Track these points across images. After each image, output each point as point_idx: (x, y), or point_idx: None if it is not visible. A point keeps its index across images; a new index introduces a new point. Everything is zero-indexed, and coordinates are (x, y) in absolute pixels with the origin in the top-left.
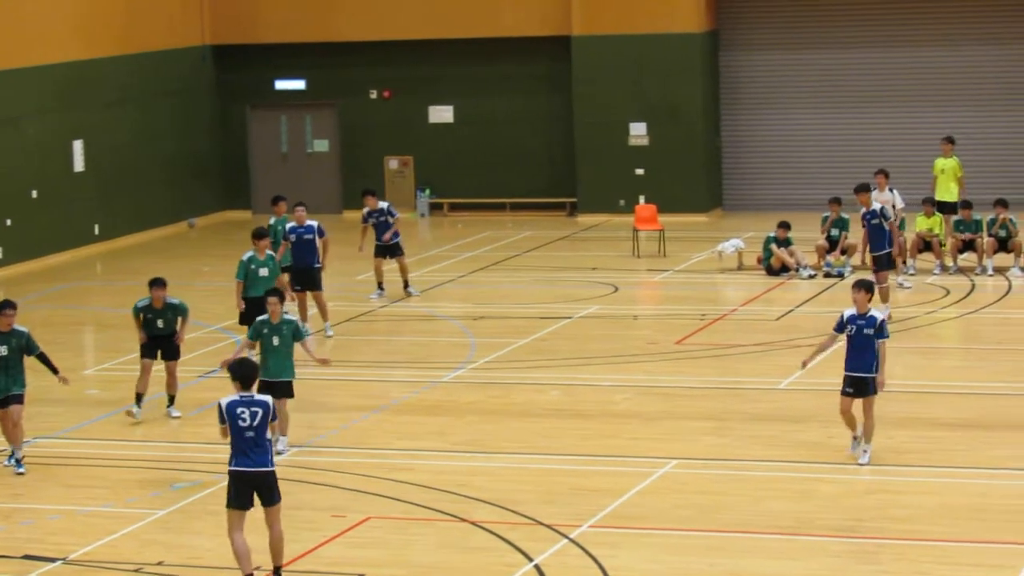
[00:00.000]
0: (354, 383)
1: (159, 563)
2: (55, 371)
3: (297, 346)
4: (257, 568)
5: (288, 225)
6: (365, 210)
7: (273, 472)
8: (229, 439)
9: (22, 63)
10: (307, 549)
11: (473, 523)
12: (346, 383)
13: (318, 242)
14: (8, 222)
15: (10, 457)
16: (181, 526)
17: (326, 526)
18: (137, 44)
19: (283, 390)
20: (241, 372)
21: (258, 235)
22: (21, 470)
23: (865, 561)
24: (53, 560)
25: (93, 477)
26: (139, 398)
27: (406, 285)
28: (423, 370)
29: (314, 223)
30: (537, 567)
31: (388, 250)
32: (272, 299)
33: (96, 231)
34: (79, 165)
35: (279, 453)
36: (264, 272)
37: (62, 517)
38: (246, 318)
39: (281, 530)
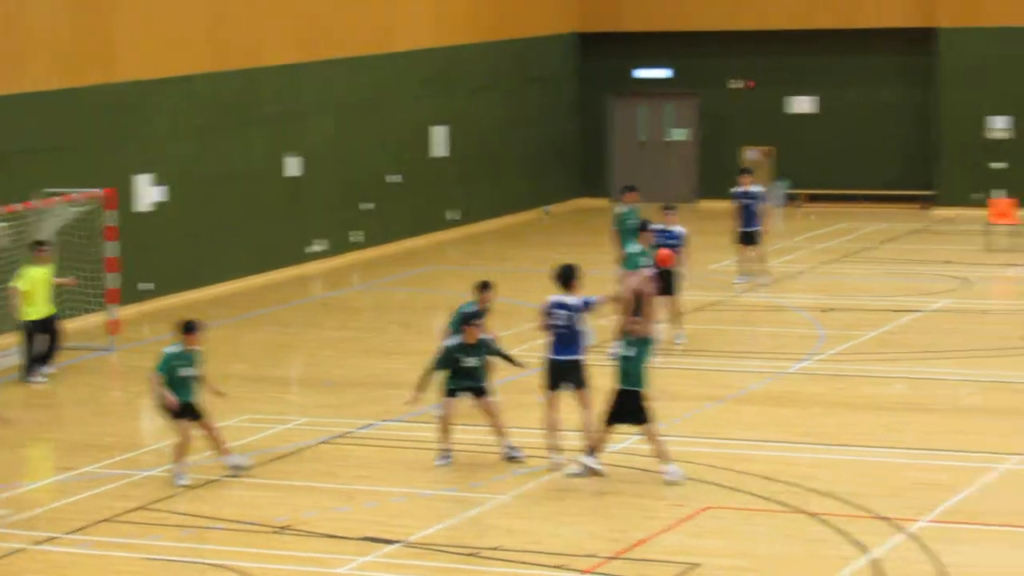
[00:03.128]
0: (701, 372)
1: (495, 548)
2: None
3: None
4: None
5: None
6: (739, 189)
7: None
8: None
9: (388, 48)
10: (645, 536)
11: (812, 515)
12: (693, 372)
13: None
14: (371, 206)
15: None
16: (522, 511)
17: (665, 514)
18: (505, 31)
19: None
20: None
21: None
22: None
23: None
24: (392, 542)
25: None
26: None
27: (751, 275)
28: (770, 360)
29: (681, 230)
30: (874, 561)
31: (748, 237)
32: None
33: (455, 216)
34: (442, 150)
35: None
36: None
37: (404, 500)
38: None
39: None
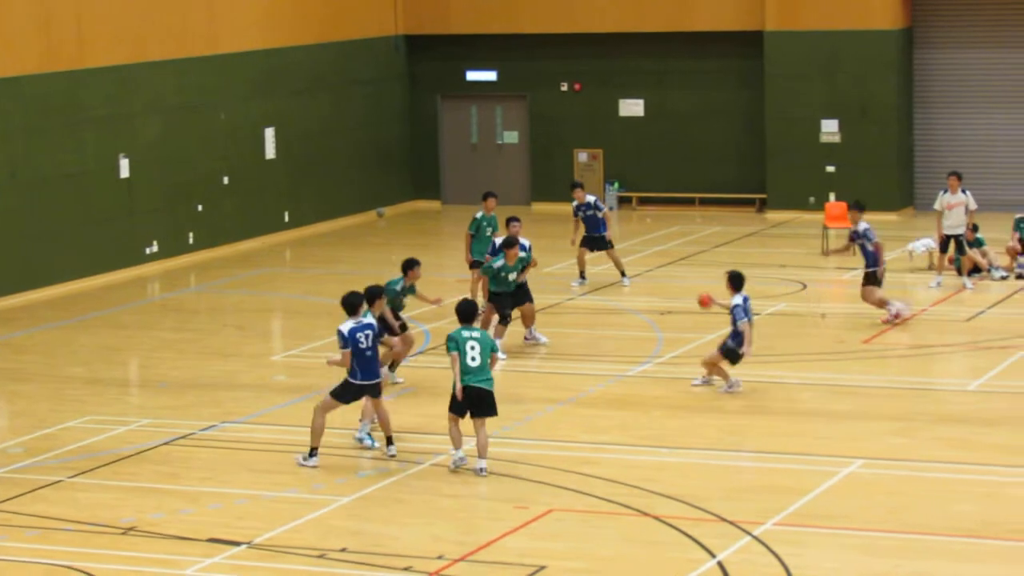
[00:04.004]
0: (541, 375)
1: (342, 550)
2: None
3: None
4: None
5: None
6: (574, 203)
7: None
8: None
9: (216, 50)
10: (489, 539)
11: (657, 518)
12: (534, 374)
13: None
14: (199, 207)
15: None
16: (365, 513)
17: (509, 517)
18: (331, 33)
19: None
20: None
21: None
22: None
23: None
24: (238, 544)
25: (279, 463)
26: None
27: (623, 275)
28: (610, 364)
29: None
30: (720, 564)
31: (595, 242)
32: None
33: (286, 218)
34: (270, 152)
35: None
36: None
37: (248, 502)
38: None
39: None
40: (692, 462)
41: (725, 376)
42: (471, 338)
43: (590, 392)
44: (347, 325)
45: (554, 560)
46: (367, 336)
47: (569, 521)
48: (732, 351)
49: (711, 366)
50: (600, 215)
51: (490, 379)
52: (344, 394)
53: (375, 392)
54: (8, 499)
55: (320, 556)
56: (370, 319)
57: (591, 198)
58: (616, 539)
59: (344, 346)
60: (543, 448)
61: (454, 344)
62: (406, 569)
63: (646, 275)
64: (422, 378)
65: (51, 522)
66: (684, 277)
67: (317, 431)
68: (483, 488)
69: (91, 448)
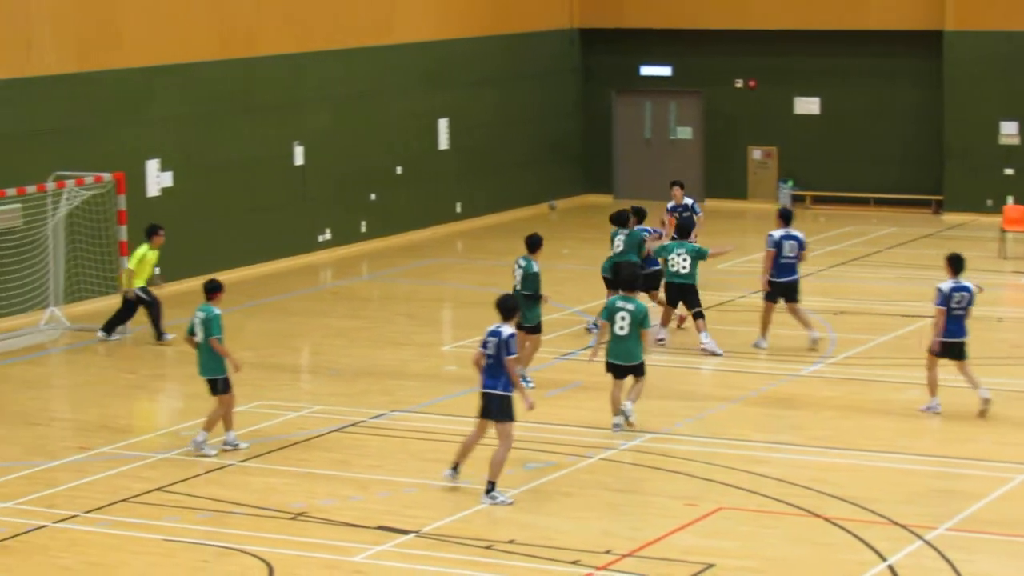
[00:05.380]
0: (713, 372)
1: (510, 541)
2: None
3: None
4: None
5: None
6: (671, 203)
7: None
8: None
9: (389, 40)
10: (658, 536)
11: (827, 519)
12: (705, 372)
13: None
14: (372, 196)
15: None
16: (533, 506)
17: (678, 514)
18: (505, 25)
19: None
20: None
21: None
22: None
23: None
24: (407, 532)
25: (449, 452)
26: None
27: None
28: (782, 363)
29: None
30: (891, 568)
31: None
32: None
33: (458, 209)
34: (444, 143)
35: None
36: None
37: (417, 490)
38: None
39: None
40: (864, 464)
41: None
42: (623, 308)
43: (762, 391)
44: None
45: (722, 559)
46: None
47: (738, 520)
48: (951, 345)
49: (964, 376)
50: (696, 218)
51: (631, 352)
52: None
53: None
54: (181, 481)
55: (488, 547)
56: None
57: (689, 200)
58: (785, 539)
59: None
60: (714, 446)
61: (607, 313)
62: (574, 563)
63: (819, 274)
64: (590, 372)
65: (222, 505)
66: (858, 277)
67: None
68: (653, 484)
69: (262, 433)
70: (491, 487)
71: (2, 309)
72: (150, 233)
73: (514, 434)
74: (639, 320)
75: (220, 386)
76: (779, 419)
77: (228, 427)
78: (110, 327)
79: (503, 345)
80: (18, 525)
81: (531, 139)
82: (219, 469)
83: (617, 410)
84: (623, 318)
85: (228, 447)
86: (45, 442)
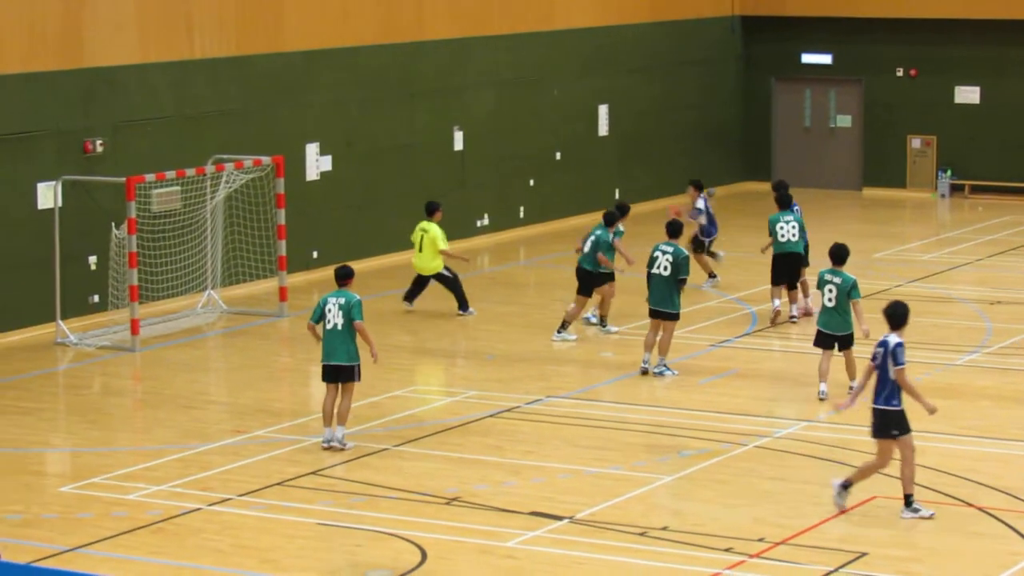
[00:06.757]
0: (861, 360)
1: (664, 528)
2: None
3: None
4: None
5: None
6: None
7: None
8: None
9: (550, 26)
10: (811, 524)
11: (980, 509)
12: (860, 360)
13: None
14: (531, 182)
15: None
16: (687, 493)
17: (831, 502)
18: (665, 12)
19: None
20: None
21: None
22: None
23: None
24: (560, 519)
25: (603, 439)
26: None
27: (710, 275)
28: (937, 352)
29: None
30: None
31: (697, 243)
32: None
33: (616, 195)
34: (603, 129)
35: None
36: None
37: (571, 476)
38: None
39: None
40: (1017, 454)
41: None
42: (830, 281)
43: (917, 380)
44: None
45: (875, 547)
46: None
47: (891, 509)
48: None
49: None
50: (696, 219)
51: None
52: None
53: None
54: (335, 465)
55: (642, 534)
56: None
57: (700, 203)
58: (938, 529)
59: None
60: (867, 434)
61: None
62: (727, 550)
63: (976, 264)
64: (746, 359)
65: (376, 489)
66: (1016, 267)
67: None
68: (806, 472)
69: (417, 418)
70: (908, 499)
71: (160, 292)
72: (433, 210)
73: (913, 444)
74: (847, 291)
75: (354, 373)
76: None
77: (343, 421)
78: (464, 305)
79: (889, 355)
80: (172, 508)
81: (690, 126)
82: (373, 454)
83: (825, 377)
84: (830, 290)
85: (337, 445)
86: (200, 425)
